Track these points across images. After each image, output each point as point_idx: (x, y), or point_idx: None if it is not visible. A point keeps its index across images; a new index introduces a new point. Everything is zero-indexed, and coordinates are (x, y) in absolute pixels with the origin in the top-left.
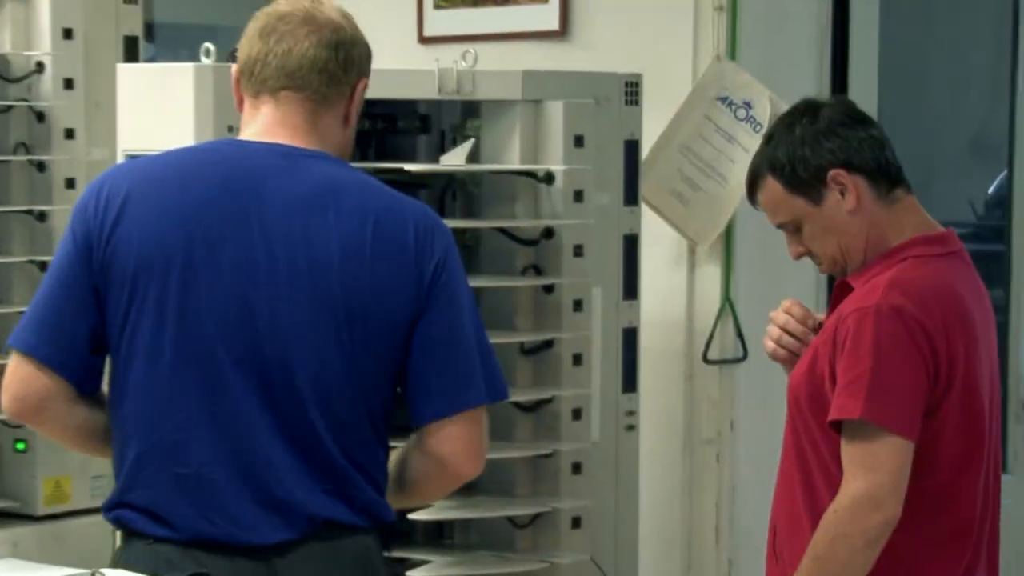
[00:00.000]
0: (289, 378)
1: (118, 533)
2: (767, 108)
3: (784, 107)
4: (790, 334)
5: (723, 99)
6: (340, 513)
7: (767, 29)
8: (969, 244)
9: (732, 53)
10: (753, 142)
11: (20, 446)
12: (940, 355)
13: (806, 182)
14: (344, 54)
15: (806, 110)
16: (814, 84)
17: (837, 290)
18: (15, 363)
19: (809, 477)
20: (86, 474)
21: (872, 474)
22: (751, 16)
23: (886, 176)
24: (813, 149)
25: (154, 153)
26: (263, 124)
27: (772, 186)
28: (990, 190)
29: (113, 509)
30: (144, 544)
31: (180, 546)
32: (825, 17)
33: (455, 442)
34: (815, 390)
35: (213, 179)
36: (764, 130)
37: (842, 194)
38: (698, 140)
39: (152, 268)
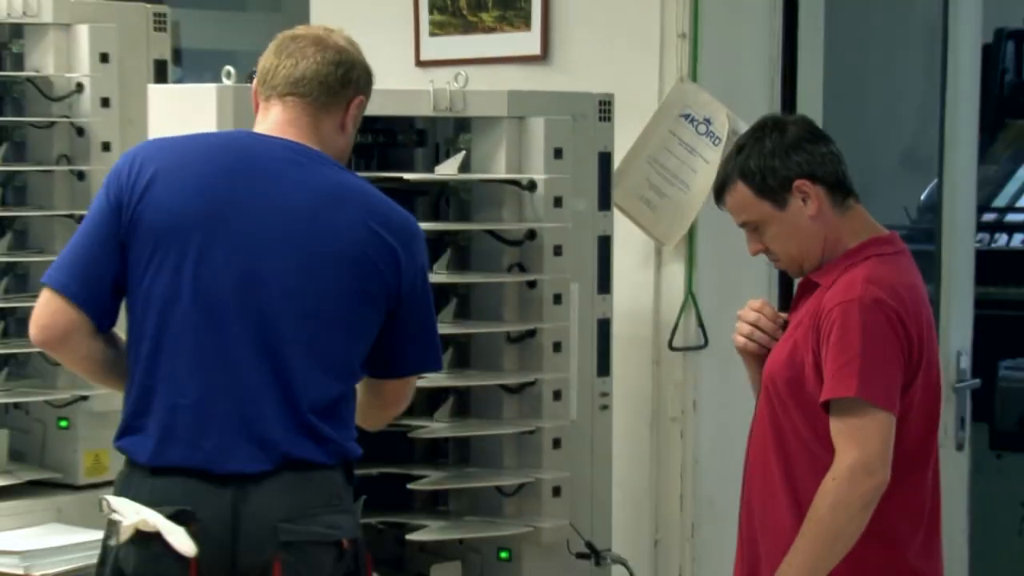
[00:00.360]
0: (283, 338)
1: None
2: (725, 124)
3: (740, 123)
4: (761, 330)
5: (686, 116)
6: (311, 453)
7: (725, 54)
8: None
9: (694, 75)
10: (712, 154)
11: (63, 423)
12: (912, 340)
13: (774, 189)
14: (343, 71)
15: (775, 126)
16: (766, 103)
17: (801, 287)
18: (46, 298)
19: (787, 456)
20: None
21: (865, 444)
22: (710, 43)
23: (841, 187)
24: (782, 161)
25: (182, 134)
26: (274, 122)
27: (742, 190)
28: (922, 197)
29: (121, 437)
30: (142, 475)
31: (172, 476)
32: (776, 44)
33: (399, 392)
34: (795, 376)
35: (234, 162)
36: (723, 143)
37: (804, 201)
38: (664, 152)
39: (175, 230)
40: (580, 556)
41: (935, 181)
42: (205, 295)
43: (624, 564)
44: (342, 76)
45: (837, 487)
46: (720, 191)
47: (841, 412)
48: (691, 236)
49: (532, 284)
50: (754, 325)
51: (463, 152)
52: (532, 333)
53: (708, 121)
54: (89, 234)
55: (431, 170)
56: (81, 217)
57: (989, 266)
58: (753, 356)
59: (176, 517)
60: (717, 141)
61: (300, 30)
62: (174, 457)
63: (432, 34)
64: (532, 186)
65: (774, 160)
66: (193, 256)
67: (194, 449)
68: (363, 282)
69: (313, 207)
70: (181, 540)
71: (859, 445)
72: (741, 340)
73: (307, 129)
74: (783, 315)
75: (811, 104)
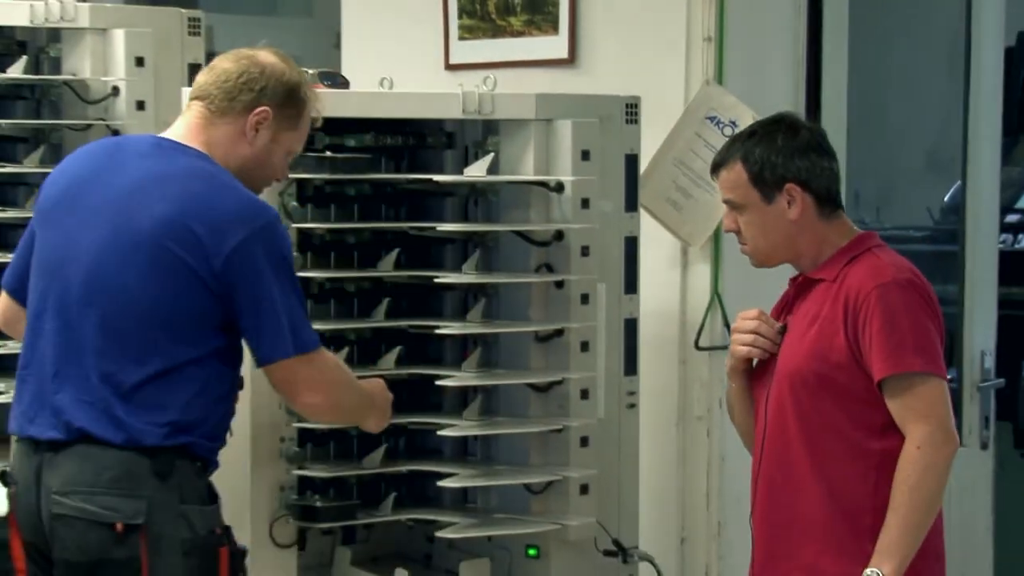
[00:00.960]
0: (79, 312)
1: None
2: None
3: None
4: (763, 336)
5: (711, 118)
6: (100, 430)
7: (750, 57)
8: (927, 245)
9: (719, 78)
10: None
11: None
12: (939, 318)
13: (767, 182)
14: (245, 79)
15: (790, 126)
16: (791, 106)
17: (797, 287)
18: None
19: (818, 449)
20: None
21: (935, 413)
22: (736, 46)
23: (830, 202)
24: (785, 160)
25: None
26: (173, 126)
27: (738, 171)
28: (945, 198)
29: None
30: None
31: (16, 441)
32: (801, 47)
33: (283, 382)
34: (825, 366)
35: (100, 157)
36: None
37: (789, 204)
38: (689, 154)
39: (40, 222)
40: (607, 553)
41: (958, 183)
42: (38, 272)
43: (651, 561)
44: (242, 84)
45: (923, 454)
46: (718, 165)
47: (904, 387)
48: (717, 237)
49: (560, 284)
50: (755, 333)
51: (492, 154)
52: (560, 333)
53: (734, 123)
54: (22, 239)
55: (460, 172)
56: None
57: (1012, 267)
58: (744, 367)
59: (3, 479)
60: None
61: (243, 49)
62: (10, 423)
63: (461, 38)
64: (560, 188)
65: (778, 157)
66: (40, 239)
67: (15, 415)
68: (162, 267)
69: (131, 191)
70: None
71: (931, 414)
72: (744, 349)
73: (196, 130)
74: (778, 323)
75: (835, 107)
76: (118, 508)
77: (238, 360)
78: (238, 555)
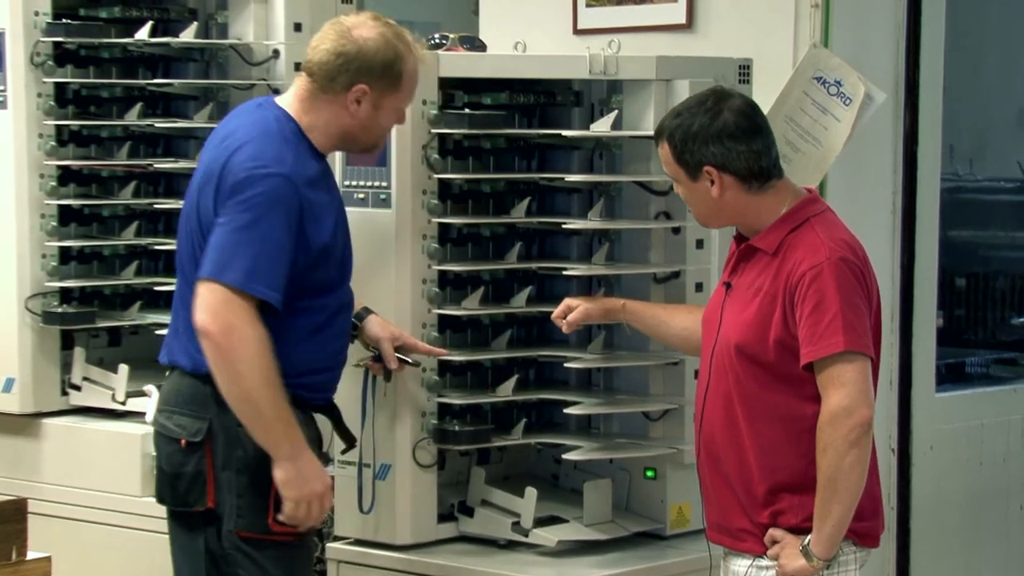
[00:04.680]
0: (188, 254)
1: None
2: (857, 85)
3: (872, 86)
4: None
5: (818, 79)
6: (182, 359)
7: (855, 22)
8: (1017, 196)
9: (826, 41)
10: (843, 112)
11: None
12: (871, 289)
13: (689, 164)
14: (343, 60)
15: (712, 107)
16: (892, 66)
17: (743, 250)
18: None
19: (751, 407)
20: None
21: (840, 390)
22: (841, 11)
23: (758, 177)
24: (700, 146)
25: None
26: (285, 93)
27: (666, 149)
28: None
29: None
30: None
31: None
32: (901, 11)
33: None
34: (762, 340)
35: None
36: (853, 103)
37: (712, 183)
38: (798, 112)
39: None
40: None
41: None
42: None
43: None
44: (339, 65)
45: (822, 434)
46: (657, 136)
47: (824, 366)
48: (822, 188)
49: (676, 230)
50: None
51: (615, 111)
52: (676, 275)
53: (839, 83)
54: None
55: (587, 127)
56: None
57: None
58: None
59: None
60: (848, 101)
61: (348, 17)
62: None
63: (588, 5)
64: None
65: (694, 144)
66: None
67: None
68: (199, 222)
69: (214, 144)
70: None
71: (836, 391)
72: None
73: (299, 97)
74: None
75: (933, 67)
76: (185, 427)
77: (312, 317)
78: None
